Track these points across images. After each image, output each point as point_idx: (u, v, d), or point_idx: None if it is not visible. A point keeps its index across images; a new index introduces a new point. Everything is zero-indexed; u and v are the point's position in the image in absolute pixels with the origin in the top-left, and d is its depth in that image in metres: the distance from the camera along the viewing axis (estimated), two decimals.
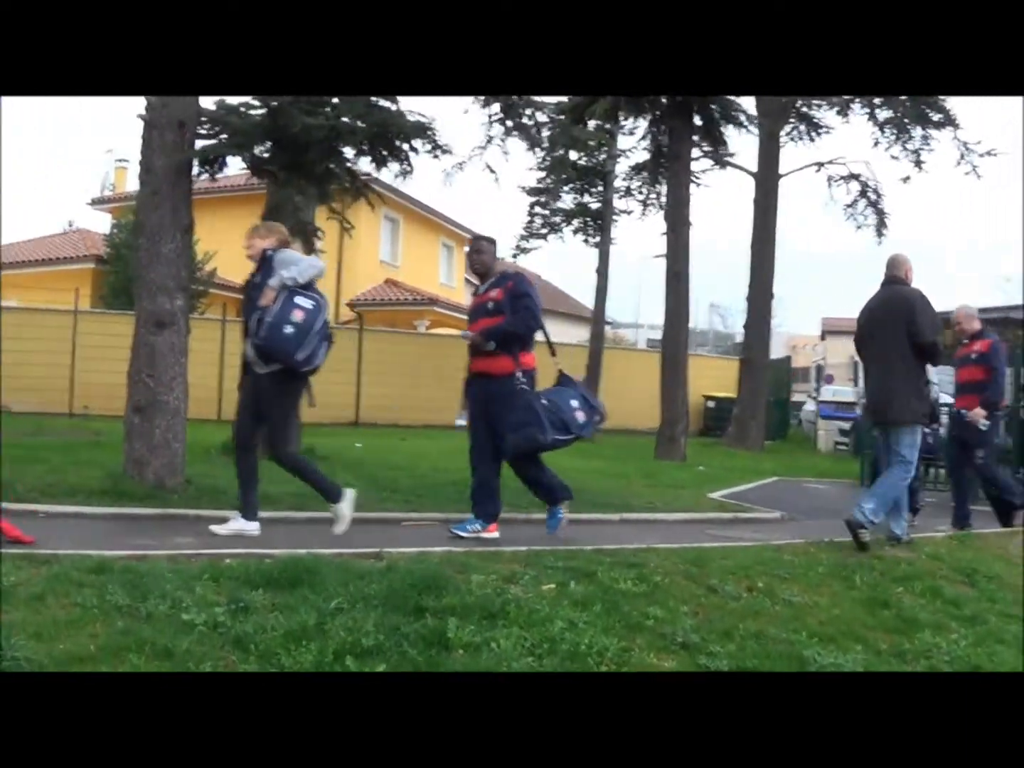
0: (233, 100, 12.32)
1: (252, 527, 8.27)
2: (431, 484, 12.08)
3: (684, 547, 8.09)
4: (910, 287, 9.36)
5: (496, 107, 24.33)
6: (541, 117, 25.81)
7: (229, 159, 12.62)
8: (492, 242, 9.42)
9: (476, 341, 8.81)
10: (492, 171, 22.99)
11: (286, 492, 9.85)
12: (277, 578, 5.78)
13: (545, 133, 26.21)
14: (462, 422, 9.21)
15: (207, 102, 11.67)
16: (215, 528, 8.21)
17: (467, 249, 9.04)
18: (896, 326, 9.07)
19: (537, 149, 26.48)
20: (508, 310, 8.76)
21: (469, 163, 26.62)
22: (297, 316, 7.98)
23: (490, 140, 25.97)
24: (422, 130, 12.81)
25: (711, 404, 32.94)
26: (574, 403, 8.79)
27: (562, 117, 24.67)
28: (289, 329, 7.93)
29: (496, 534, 8.77)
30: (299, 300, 8.06)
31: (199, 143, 11.47)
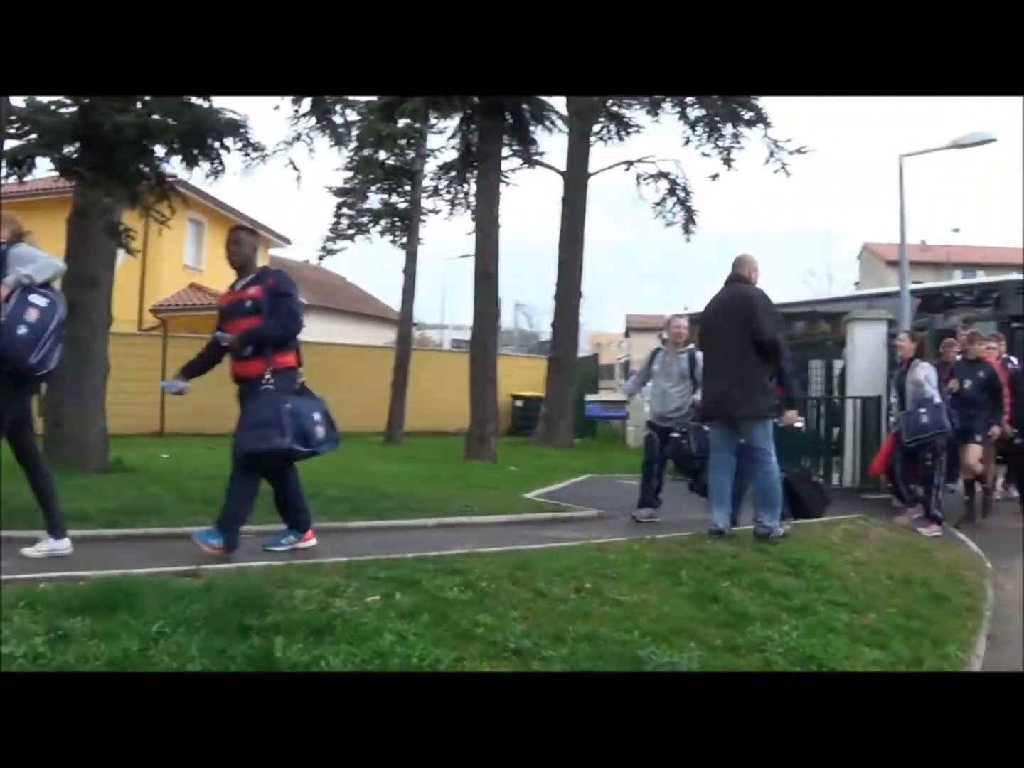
0: (44, 98, 11.91)
1: (62, 545, 7.93)
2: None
3: (508, 550, 8.02)
4: (753, 287, 9.66)
5: (306, 103, 23.96)
6: (351, 115, 25.61)
7: (38, 160, 12.21)
8: (252, 233, 9.13)
9: (234, 346, 8.42)
10: (295, 168, 22.66)
11: (99, 509, 9.52)
12: (94, 603, 5.48)
13: (355, 132, 26.01)
14: None
15: (17, 100, 11.25)
16: (26, 551, 7.83)
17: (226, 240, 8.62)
18: (739, 324, 9.35)
19: (344, 148, 26.23)
20: (267, 310, 8.32)
21: (273, 157, 26.21)
22: (31, 315, 7.48)
23: (298, 137, 25.59)
24: (234, 128, 12.54)
25: (519, 404, 33.08)
26: (316, 416, 8.37)
27: (371, 116, 24.48)
28: (23, 330, 7.43)
29: (313, 541, 8.61)
30: (33, 298, 7.55)
31: (7, 144, 11.05)
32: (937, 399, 12.69)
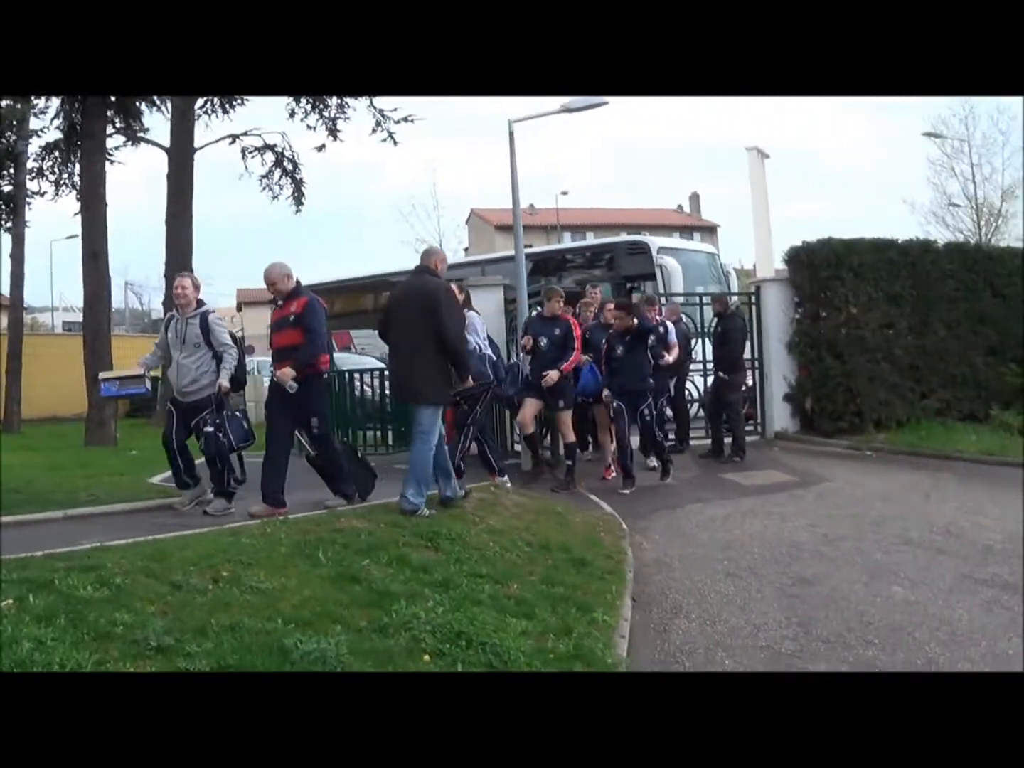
0: None
1: None
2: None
3: (139, 541, 7.85)
4: (438, 280, 10.19)
5: None
6: None
7: None
8: None
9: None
10: None
11: None
12: None
13: None
14: None
15: None
16: None
17: None
18: (422, 313, 9.83)
19: None
20: None
21: None
22: None
23: None
24: None
25: None
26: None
27: None
28: None
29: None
30: None
31: None
32: (484, 350, 12.67)
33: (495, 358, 13.09)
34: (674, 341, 15.44)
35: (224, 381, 10.89)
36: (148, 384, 11.86)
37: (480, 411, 12.61)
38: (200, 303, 11.35)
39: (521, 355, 14.45)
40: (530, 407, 14.11)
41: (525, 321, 15.22)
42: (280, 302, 10.90)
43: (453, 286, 11.35)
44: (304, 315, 10.62)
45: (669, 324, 15.71)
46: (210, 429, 10.88)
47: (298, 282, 11.02)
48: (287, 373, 10.32)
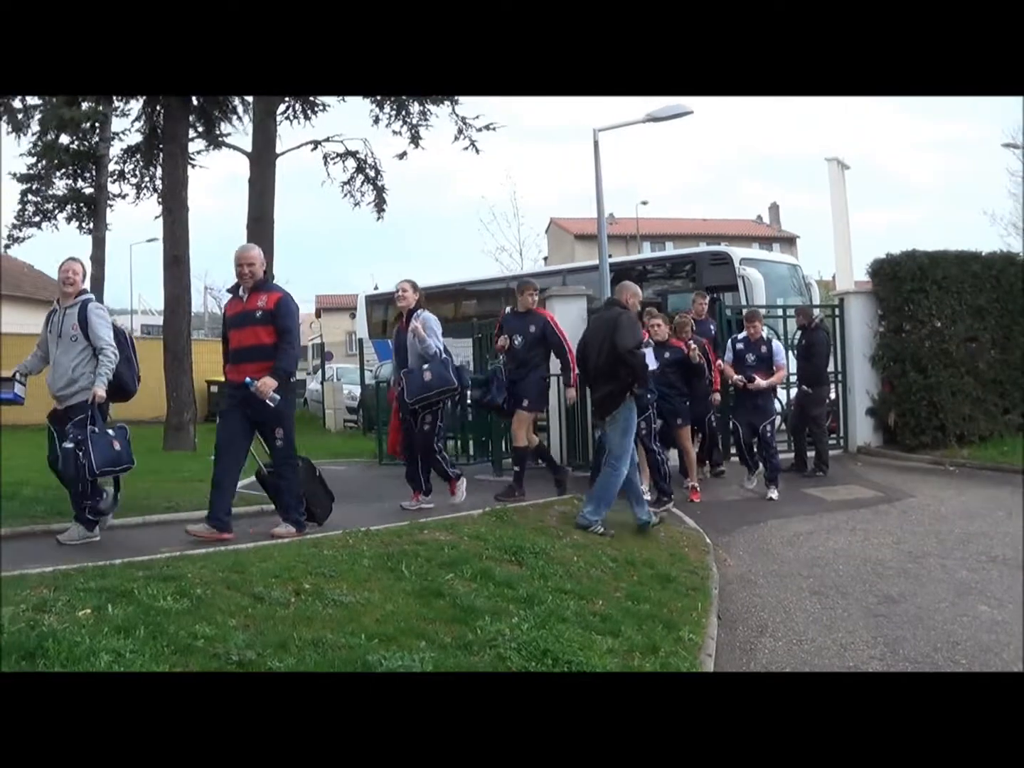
0: None
1: None
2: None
3: (219, 551, 7.82)
4: (625, 310, 10.89)
5: None
6: (32, 100, 24.62)
7: None
8: None
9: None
10: None
11: None
12: None
13: (37, 117, 25.00)
14: None
15: None
16: None
17: None
18: (608, 341, 10.56)
19: (23, 135, 25.18)
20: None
21: None
22: None
23: None
24: None
25: (214, 389, 32.39)
26: None
27: (53, 100, 23.57)
28: None
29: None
30: None
31: None
32: (443, 353, 11.61)
33: (457, 363, 11.93)
34: (781, 362, 15.04)
35: (99, 389, 9.26)
36: (19, 389, 9.81)
37: (440, 422, 11.89)
38: (83, 291, 9.81)
39: (500, 357, 13.56)
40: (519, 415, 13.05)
41: (498, 319, 14.06)
42: (244, 293, 9.70)
43: (406, 283, 11.98)
44: (277, 312, 9.57)
45: (776, 343, 15.53)
46: (69, 445, 9.08)
47: (268, 273, 10.18)
48: (268, 384, 9.25)
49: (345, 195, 29.55)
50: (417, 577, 7.45)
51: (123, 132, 27.85)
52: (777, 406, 15.56)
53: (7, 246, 29.72)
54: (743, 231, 66.36)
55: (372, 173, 29.29)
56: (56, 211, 29.27)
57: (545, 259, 64.01)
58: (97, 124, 25.62)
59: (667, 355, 13.68)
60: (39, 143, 26.28)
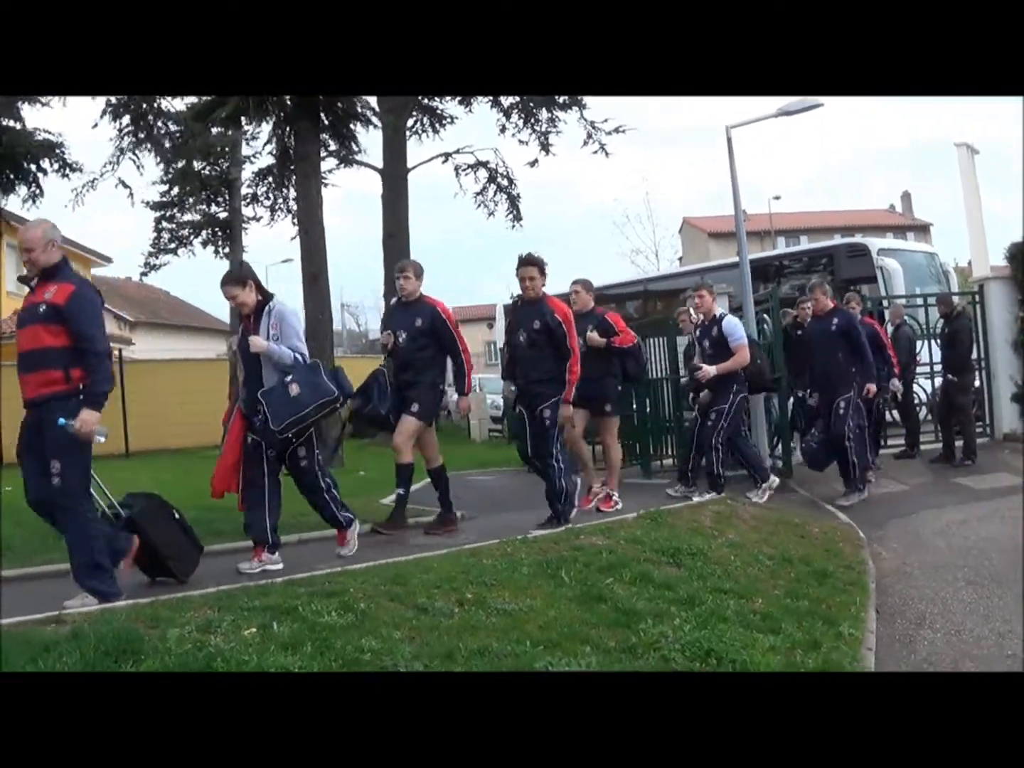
0: None
1: None
2: None
3: (379, 564, 7.76)
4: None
5: (127, 120, 23.27)
6: (171, 127, 25.02)
7: None
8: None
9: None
10: (127, 186, 22.24)
11: None
12: None
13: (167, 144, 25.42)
14: None
15: None
16: None
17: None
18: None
19: (173, 163, 25.59)
20: None
21: (101, 180, 25.39)
22: None
23: (122, 153, 24.77)
24: (50, 149, 12.02)
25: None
26: None
27: (186, 124, 23.94)
28: None
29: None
30: None
31: None
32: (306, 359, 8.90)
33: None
34: (739, 341, 12.41)
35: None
36: None
37: (315, 449, 9.13)
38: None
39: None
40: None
41: (384, 314, 12.07)
42: (33, 284, 7.63)
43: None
44: (67, 310, 7.27)
45: (728, 319, 12.80)
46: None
47: (65, 259, 7.74)
48: (88, 422, 7.11)
49: (479, 206, 29.77)
50: (577, 583, 7.39)
51: (254, 155, 28.24)
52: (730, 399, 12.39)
53: (143, 273, 30.20)
54: (876, 221, 65.38)
55: (504, 182, 29.47)
56: (192, 236, 29.78)
57: (680, 259, 63.75)
58: (227, 148, 25.91)
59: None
60: (171, 170, 26.68)
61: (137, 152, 24.73)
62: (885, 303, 18.75)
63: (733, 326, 12.40)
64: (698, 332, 12.83)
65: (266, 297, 8.94)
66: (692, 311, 13.32)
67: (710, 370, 12.08)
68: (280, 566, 8.65)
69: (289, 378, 8.61)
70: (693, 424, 12.82)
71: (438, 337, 10.55)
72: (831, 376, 12.77)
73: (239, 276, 8.92)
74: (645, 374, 13.70)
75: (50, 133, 11.65)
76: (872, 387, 12.80)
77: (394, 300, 11.17)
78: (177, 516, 8.63)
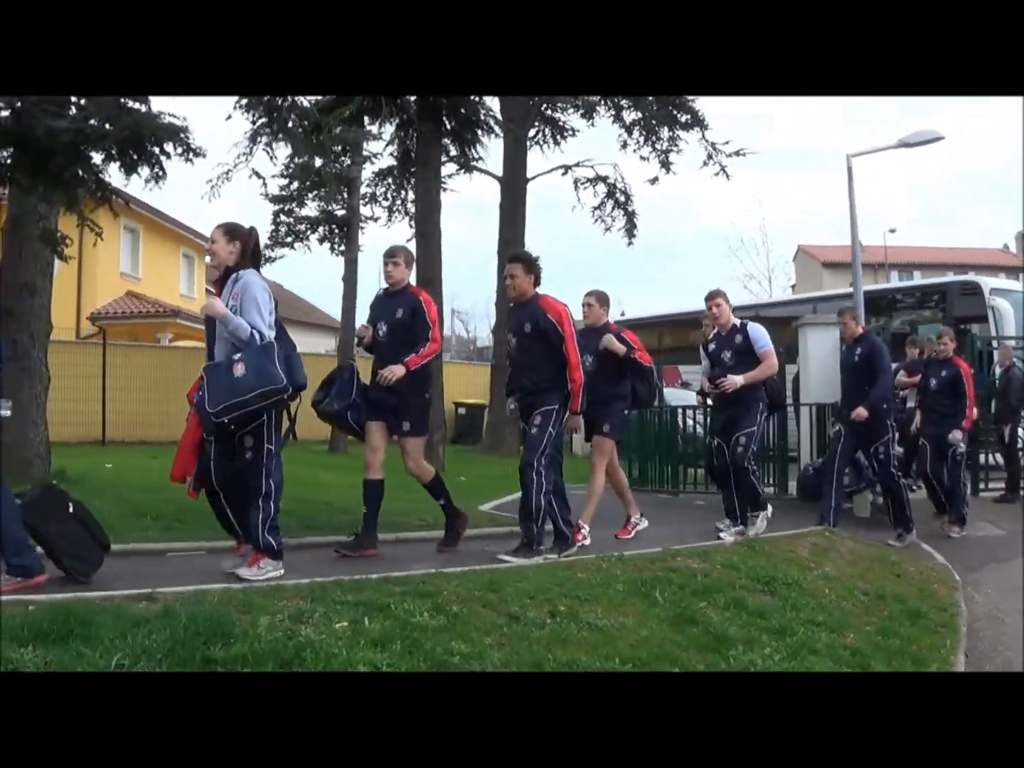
0: None
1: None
2: (193, 508, 9.90)
3: (475, 570, 7.75)
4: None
5: (259, 113, 23.50)
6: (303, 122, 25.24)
7: None
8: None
9: None
10: (260, 176, 22.54)
11: None
12: (46, 631, 5.11)
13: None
14: None
15: None
16: None
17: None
18: None
19: (316, 157, 25.69)
20: None
21: (235, 172, 25.66)
22: None
23: (255, 142, 25.01)
24: (175, 132, 12.10)
25: (462, 411, 32.73)
26: None
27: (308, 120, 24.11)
28: None
29: None
30: None
31: None
32: (265, 331, 7.66)
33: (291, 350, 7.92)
34: (765, 347, 11.44)
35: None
36: None
37: (270, 443, 7.79)
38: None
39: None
40: (376, 434, 9.80)
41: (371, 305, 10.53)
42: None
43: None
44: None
45: (752, 325, 11.82)
46: None
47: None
48: None
49: (596, 220, 29.69)
50: (671, 604, 7.34)
51: (375, 155, 28.40)
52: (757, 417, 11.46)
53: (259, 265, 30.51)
54: (990, 260, 64.44)
55: (622, 198, 29.34)
56: (309, 232, 29.97)
57: (793, 287, 63.25)
58: (349, 147, 26.04)
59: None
60: (292, 165, 26.89)
61: (272, 146, 24.94)
62: (995, 343, 18.41)
63: (760, 332, 11.43)
64: (714, 345, 11.70)
65: (240, 265, 7.99)
66: (709, 321, 12.32)
67: (737, 380, 11.02)
68: (280, 573, 7.72)
69: (237, 356, 7.56)
70: (720, 452, 11.57)
71: (418, 325, 9.57)
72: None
73: (231, 227, 8.10)
74: (655, 400, 12.89)
75: (175, 117, 11.71)
76: (862, 411, 11.98)
77: (381, 290, 10.31)
78: (72, 509, 7.64)
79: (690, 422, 18.24)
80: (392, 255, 9.75)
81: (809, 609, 7.96)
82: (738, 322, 11.57)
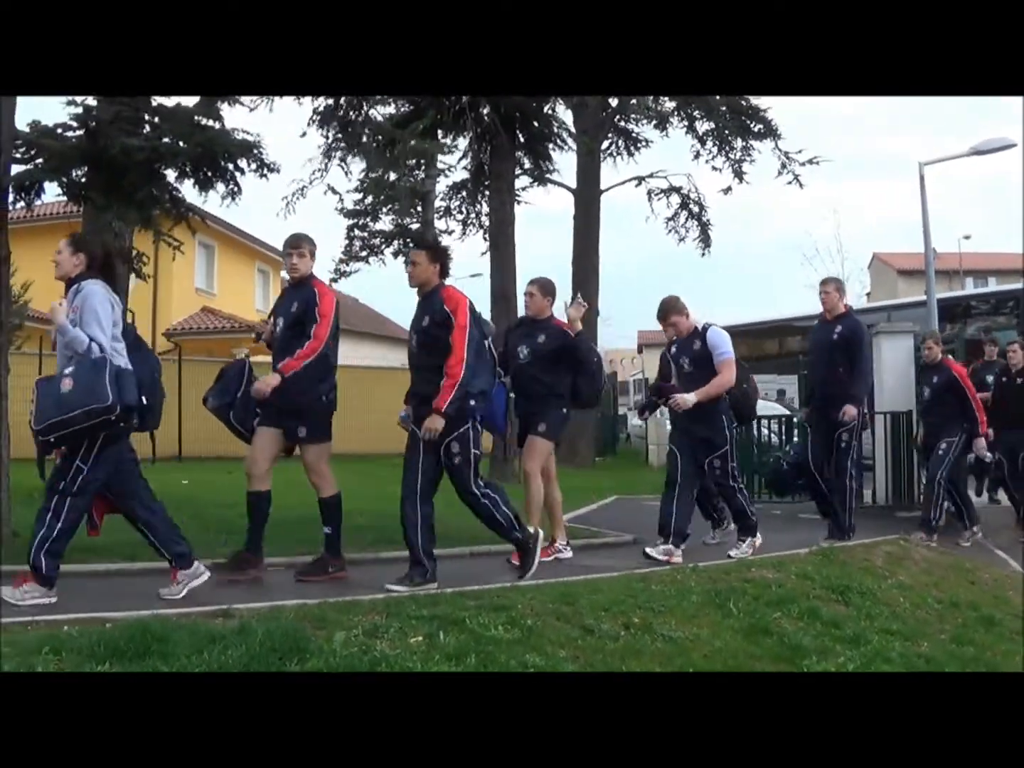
0: (48, 121, 11.61)
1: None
2: (272, 522, 9.47)
3: (550, 583, 7.78)
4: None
5: (334, 127, 23.72)
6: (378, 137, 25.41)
7: (46, 185, 11.91)
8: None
9: None
10: (335, 192, 22.68)
11: (118, 541, 9.02)
12: (123, 648, 5.18)
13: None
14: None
15: (21, 124, 10.97)
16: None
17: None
18: None
19: (390, 172, 25.83)
20: None
21: (311, 187, 25.89)
22: None
23: (329, 158, 25.20)
24: (248, 148, 12.19)
25: None
26: None
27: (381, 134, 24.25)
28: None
29: None
30: None
31: (14, 168, 10.78)
32: (103, 341, 7.14)
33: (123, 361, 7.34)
34: (725, 355, 9.97)
35: None
36: None
37: (78, 463, 7.18)
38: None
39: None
40: (261, 439, 9.03)
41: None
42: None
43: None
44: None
45: (713, 330, 10.18)
46: None
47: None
48: None
49: (670, 231, 29.60)
50: (745, 614, 7.35)
51: (449, 169, 28.48)
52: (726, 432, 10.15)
53: (334, 280, 30.61)
54: None
55: (696, 208, 29.25)
56: (383, 246, 30.10)
57: (868, 295, 62.73)
58: (423, 160, 26.14)
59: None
60: (366, 180, 27.04)
61: (346, 161, 25.11)
62: None
63: (720, 337, 9.97)
64: (674, 349, 10.42)
65: (83, 276, 7.44)
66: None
67: (688, 398, 9.64)
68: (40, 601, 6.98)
69: (69, 370, 7.11)
70: (672, 459, 10.35)
71: (308, 321, 8.59)
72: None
73: (76, 239, 7.73)
74: (599, 398, 11.59)
75: (248, 133, 11.80)
76: (851, 409, 10.73)
77: (287, 283, 9.56)
78: None
79: (764, 431, 18.04)
80: (296, 245, 8.78)
81: (883, 618, 7.95)
82: (700, 325, 10.18)
